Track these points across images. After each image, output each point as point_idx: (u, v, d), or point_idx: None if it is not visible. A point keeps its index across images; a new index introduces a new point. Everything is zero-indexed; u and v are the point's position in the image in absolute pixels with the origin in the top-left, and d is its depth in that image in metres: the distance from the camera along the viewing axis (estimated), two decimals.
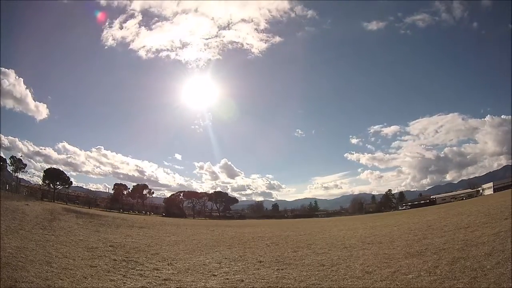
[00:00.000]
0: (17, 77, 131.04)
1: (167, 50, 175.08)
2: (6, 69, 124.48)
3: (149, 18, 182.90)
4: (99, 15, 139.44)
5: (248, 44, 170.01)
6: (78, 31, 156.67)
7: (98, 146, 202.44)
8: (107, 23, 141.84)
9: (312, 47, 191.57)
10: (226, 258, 11.57)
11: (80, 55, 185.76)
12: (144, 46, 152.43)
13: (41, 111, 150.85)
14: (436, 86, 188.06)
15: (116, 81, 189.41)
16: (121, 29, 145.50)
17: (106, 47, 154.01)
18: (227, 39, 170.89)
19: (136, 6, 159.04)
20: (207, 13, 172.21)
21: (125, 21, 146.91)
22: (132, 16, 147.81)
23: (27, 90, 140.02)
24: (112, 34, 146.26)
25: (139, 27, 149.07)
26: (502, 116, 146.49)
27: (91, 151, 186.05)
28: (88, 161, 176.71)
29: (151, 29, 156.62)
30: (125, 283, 7.47)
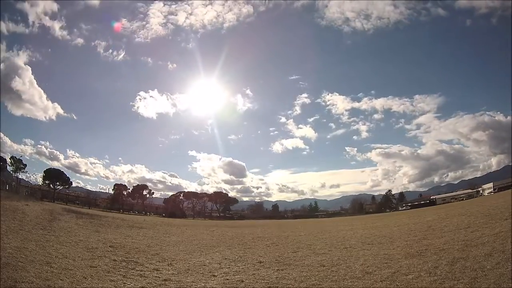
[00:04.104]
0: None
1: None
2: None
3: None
4: (116, 25, 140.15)
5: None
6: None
7: (95, 156, 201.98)
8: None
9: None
10: (226, 259, 11.57)
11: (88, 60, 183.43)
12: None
13: (52, 113, 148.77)
14: (433, 80, 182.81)
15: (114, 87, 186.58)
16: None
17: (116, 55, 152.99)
18: None
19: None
20: None
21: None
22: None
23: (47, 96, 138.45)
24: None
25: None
26: (502, 115, 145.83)
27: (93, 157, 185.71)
28: (89, 163, 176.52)
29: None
30: (125, 283, 7.46)
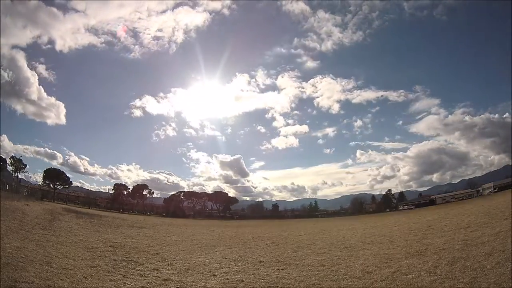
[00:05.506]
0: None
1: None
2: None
3: None
4: (121, 28, 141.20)
5: None
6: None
7: (95, 156, 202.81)
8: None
9: None
10: (226, 258, 11.58)
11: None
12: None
13: (59, 115, 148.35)
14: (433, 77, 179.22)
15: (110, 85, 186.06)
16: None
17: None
18: None
19: None
20: None
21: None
22: None
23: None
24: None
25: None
26: (501, 115, 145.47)
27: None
28: (88, 163, 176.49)
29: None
30: (125, 283, 7.47)
